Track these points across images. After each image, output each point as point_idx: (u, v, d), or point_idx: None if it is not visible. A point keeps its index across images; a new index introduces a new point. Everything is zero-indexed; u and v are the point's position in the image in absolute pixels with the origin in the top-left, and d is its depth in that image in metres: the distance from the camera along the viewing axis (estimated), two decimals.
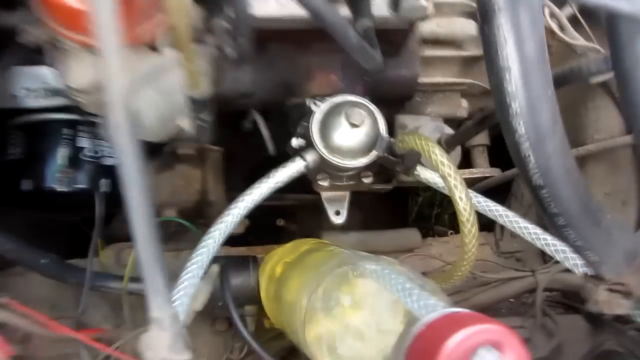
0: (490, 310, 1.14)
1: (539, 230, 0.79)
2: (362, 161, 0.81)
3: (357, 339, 0.60)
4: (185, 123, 0.78)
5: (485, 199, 0.82)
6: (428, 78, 1.02)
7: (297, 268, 0.75)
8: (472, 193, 0.81)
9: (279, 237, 1.47)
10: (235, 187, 1.23)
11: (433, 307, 0.49)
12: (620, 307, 0.59)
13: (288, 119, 0.92)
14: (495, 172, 1.17)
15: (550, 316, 0.98)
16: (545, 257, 1.19)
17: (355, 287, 0.63)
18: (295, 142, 0.84)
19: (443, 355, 0.39)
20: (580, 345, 0.94)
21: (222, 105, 0.86)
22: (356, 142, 0.80)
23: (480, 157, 1.21)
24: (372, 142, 0.81)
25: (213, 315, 0.97)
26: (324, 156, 0.80)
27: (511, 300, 1.11)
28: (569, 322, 0.98)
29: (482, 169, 1.18)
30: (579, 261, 0.74)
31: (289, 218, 1.48)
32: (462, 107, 1.08)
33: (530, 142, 0.53)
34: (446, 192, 0.83)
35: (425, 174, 0.85)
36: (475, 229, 0.70)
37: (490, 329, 0.41)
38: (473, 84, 1.07)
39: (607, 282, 0.60)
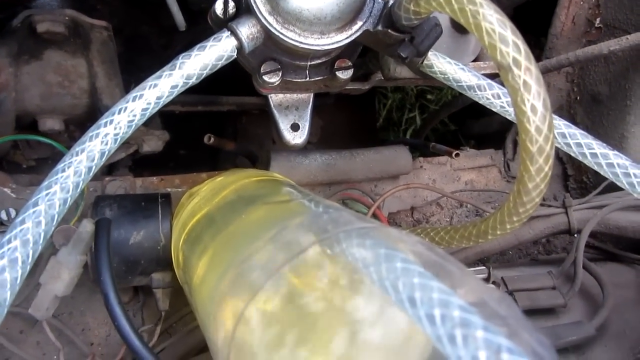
0: (501, 257, 0.86)
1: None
2: (338, 39, 0.46)
3: None
4: None
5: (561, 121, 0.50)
6: None
7: (218, 236, 0.42)
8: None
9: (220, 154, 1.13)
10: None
11: None
12: None
13: None
14: None
15: (589, 270, 0.70)
16: (568, 184, 0.90)
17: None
18: (221, 6, 0.48)
19: None
20: (634, 309, 0.68)
21: None
22: (327, 3, 0.44)
23: None
24: (357, 6, 0.45)
25: None
26: (271, 29, 0.45)
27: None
28: (614, 277, 0.71)
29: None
30: None
31: (229, 130, 1.12)
32: None
33: None
34: (478, 96, 0.50)
35: (443, 66, 0.51)
36: (549, 165, 0.38)
37: None
38: None
39: None
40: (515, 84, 0.35)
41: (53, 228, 0.37)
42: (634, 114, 0.76)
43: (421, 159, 0.86)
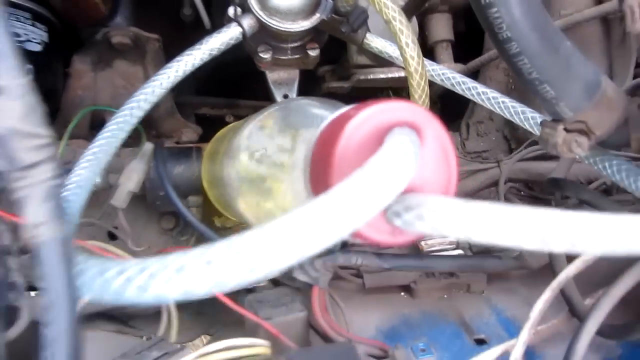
0: None
1: (497, 94, 0.72)
2: (304, 25, 0.73)
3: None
4: None
5: (440, 66, 0.76)
6: None
7: (222, 146, 0.68)
8: (429, 63, 0.75)
9: None
10: (182, 90, 1.14)
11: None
12: (580, 146, 0.52)
13: None
14: (459, 68, 1.11)
15: (510, 202, 0.92)
16: (511, 146, 1.13)
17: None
18: (232, 10, 0.76)
19: (346, 134, 0.33)
20: None
21: None
22: (295, 2, 0.71)
23: (444, 54, 1.15)
24: (315, 3, 0.73)
25: (158, 211, 0.90)
26: (261, 19, 0.72)
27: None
28: None
29: (447, 65, 1.11)
30: (540, 119, 0.68)
31: None
32: None
33: None
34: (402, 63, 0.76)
35: (377, 43, 0.77)
36: (425, 81, 0.63)
37: (406, 107, 0.34)
38: None
39: (565, 122, 0.53)
40: (395, 30, 0.61)
41: (143, 112, 0.64)
42: None
43: None
